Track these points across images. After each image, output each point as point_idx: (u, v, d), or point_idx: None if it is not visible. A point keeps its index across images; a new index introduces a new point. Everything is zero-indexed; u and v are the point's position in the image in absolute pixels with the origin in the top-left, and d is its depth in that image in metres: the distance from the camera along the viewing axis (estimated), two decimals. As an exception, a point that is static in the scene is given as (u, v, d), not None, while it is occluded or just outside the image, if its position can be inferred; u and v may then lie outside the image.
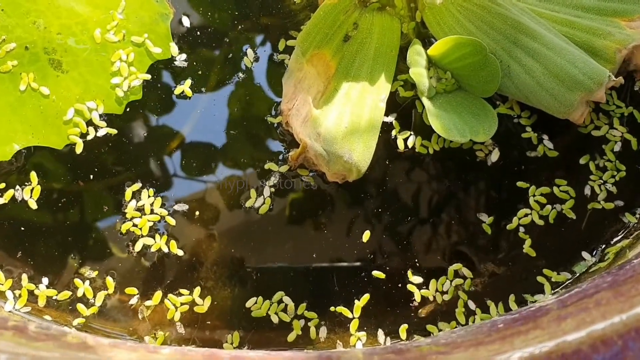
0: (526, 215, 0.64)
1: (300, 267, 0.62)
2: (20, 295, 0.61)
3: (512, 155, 0.66)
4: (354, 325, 0.60)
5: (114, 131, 0.66)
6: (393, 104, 0.67)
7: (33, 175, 0.64)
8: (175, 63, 0.69)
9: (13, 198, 0.63)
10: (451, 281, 0.62)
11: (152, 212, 0.63)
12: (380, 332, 0.60)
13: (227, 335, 0.60)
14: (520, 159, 0.66)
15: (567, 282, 0.62)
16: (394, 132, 0.67)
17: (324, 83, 0.65)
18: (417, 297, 0.61)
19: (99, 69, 0.68)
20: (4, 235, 0.63)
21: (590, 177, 0.66)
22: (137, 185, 0.64)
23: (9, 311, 0.60)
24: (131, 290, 0.61)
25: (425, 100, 0.65)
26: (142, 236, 0.63)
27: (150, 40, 0.69)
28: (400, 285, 0.62)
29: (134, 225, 0.63)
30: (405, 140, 0.66)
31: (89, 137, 0.66)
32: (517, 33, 0.64)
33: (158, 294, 0.61)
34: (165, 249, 0.62)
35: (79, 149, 0.65)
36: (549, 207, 0.64)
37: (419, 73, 0.65)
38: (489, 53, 0.63)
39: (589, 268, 0.62)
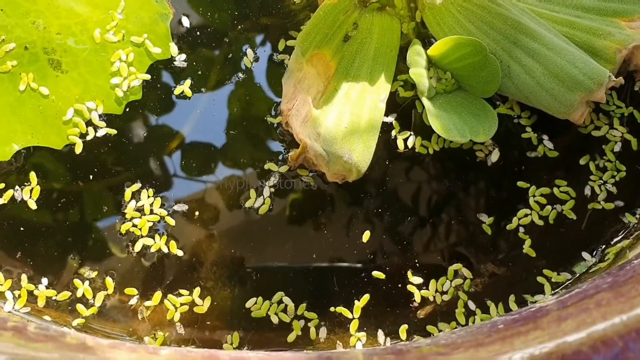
0: (526, 215, 0.64)
1: (300, 267, 0.62)
2: (19, 296, 0.61)
3: (512, 155, 0.66)
4: (353, 325, 0.60)
5: (113, 131, 0.66)
6: (393, 104, 0.67)
7: (32, 175, 0.64)
8: (175, 63, 0.69)
9: (12, 198, 0.63)
10: (451, 281, 0.62)
11: (151, 212, 0.63)
12: (380, 333, 0.60)
13: (226, 335, 0.60)
14: (520, 159, 0.66)
15: (567, 283, 0.62)
16: (393, 132, 0.67)
17: (323, 83, 0.65)
18: (417, 298, 0.61)
19: (99, 69, 0.67)
20: (4, 235, 0.63)
21: (590, 177, 0.66)
22: (136, 186, 0.64)
23: (9, 312, 0.60)
24: (131, 290, 0.61)
25: (425, 101, 0.65)
26: (142, 236, 0.63)
27: (150, 41, 0.69)
28: (400, 285, 0.62)
29: (134, 225, 0.63)
30: (405, 140, 0.66)
31: (89, 137, 0.66)
32: (517, 33, 0.64)
33: (158, 295, 0.61)
34: (165, 250, 0.62)
35: (78, 149, 0.65)
36: (549, 207, 0.64)
37: (418, 73, 0.65)
38: (489, 53, 0.63)
39: (589, 268, 0.62)
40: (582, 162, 0.66)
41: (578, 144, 0.67)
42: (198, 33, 0.71)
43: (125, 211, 0.63)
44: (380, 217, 0.64)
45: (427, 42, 0.69)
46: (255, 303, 0.61)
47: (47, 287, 0.61)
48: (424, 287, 0.62)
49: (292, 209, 0.64)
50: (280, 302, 0.61)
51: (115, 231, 0.63)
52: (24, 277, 0.61)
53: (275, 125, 0.67)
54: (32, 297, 0.61)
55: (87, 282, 0.61)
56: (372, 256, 0.63)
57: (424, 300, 0.61)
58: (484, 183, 0.65)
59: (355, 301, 0.61)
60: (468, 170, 0.66)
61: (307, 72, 0.65)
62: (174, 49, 0.69)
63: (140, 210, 0.63)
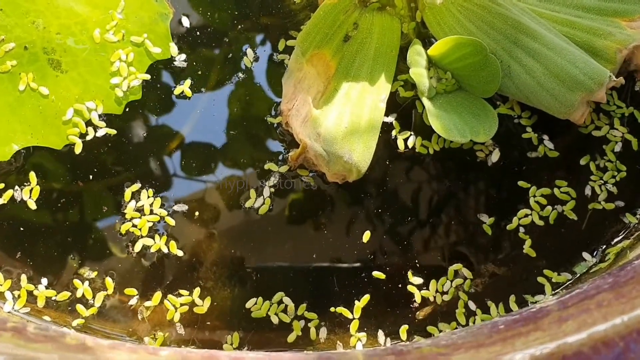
0: (526, 215, 0.64)
1: (300, 267, 0.62)
2: (19, 296, 0.60)
3: (512, 155, 0.66)
4: (354, 326, 0.60)
5: (113, 131, 0.66)
6: (393, 104, 0.67)
7: (32, 175, 0.64)
8: (175, 63, 0.69)
9: (12, 198, 0.63)
10: (451, 282, 0.62)
11: (151, 212, 0.63)
12: (381, 333, 0.60)
13: (226, 336, 0.60)
14: (520, 160, 0.66)
15: (567, 283, 0.62)
16: (394, 133, 0.66)
17: (324, 83, 0.65)
18: (418, 298, 0.61)
19: (99, 69, 0.67)
20: (3, 235, 0.63)
21: (590, 177, 0.65)
22: (136, 186, 0.64)
23: (8, 312, 0.60)
24: (131, 290, 0.61)
25: (425, 101, 0.65)
26: (142, 237, 0.62)
27: (150, 40, 0.69)
28: (400, 285, 0.62)
29: (134, 225, 0.63)
30: (406, 140, 0.66)
31: (88, 137, 0.66)
32: (517, 33, 0.64)
33: (157, 295, 0.61)
34: (165, 250, 0.62)
35: (78, 149, 0.65)
36: (549, 207, 0.64)
37: (419, 73, 0.65)
38: (489, 53, 0.63)
39: (590, 269, 0.62)
40: (582, 162, 0.66)
41: (578, 144, 0.67)
42: (198, 33, 0.71)
43: (125, 211, 0.63)
44: (381, 217, 0.64)
45: (427, 42, 0.69)
46: (255, 303, 0.61)
47: (46, 288, 0.61)
48: (425, 288, 0.62)
49: (292, 209, 0.64)
50: (280, 302, 0.61)
51: (115, 231, 0.63)
52: (23, 277, 0.61)
53: (275, 125, 0.67)
54: (31, 297, 0.61)
55: (86, 283, 0.61)
56: (372, 256, 0.63)
57: (425, 301, 0.61)
58: (484, 183, 0.65)
59: (356, 301, 0.61)
60: (468, 171, 0.66)
61: (307, 72, 0.65)
62: (173, 48, 0.69)
63: (140, 210, 0.63)
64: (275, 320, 0.60)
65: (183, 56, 0.69)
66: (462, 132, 0.63)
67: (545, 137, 0.67)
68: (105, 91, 0.67)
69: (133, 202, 0.63)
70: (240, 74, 0.69)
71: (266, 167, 0.65)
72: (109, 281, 0.61)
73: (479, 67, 0.64)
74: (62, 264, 0.62)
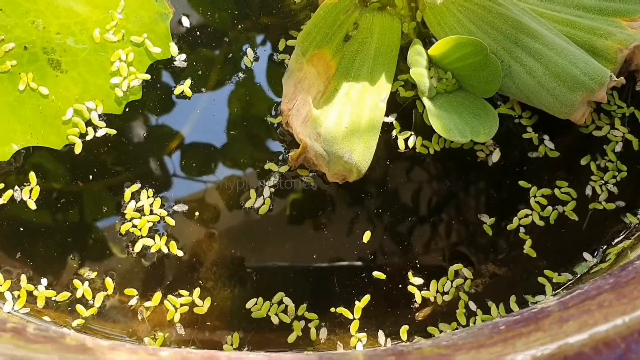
0: (527, 215, 0.64)
1: (301, 267, 0.62)
2: (19, 296, 0.60)
3: (513, 155, 0.66)
4: (354, 326, 0.60)
5: (113, 131, 0.66)
6: (393, 104, 0.67)
7: (32, 175, 0.64)
8: (175, 63, 0.69)
9: (12, 198, 0.63)
10: (452, 282, 0.62)
11: (151, 212, 0.63)
12: (381, 333, 0.60)
13: (227, 336, 0.60)
14: (521, 160, 0.66)
15: (568, 283, 0.62)
16: (394, 132, 0.66)
17: (324, 83, 0.65)
18: (418, 298, 0.61)
19: (98, 68, 0.67)
20: (3, 235, 0.62)
21: (591, 177, 0.65)
22: (136, 186, 0.64)
23: (8, 312, 0.59)
24: (130, 291, 0.61)
25: (425, 101, 0.65)
26: (142, 237, 0.62)
27: (150, 40, 0.69)
28: (400, 286, 0.62)
29: (134, 225, 0.63)
30: (406, 140, 0.66)
31: (88, 137, 0.65)
32: (518, 33, 0.64)
33: (157, 295, 0.61)
34: (165, 250, 0.62)
35: (78, 149, 0.65)
36: (549, 207, 0.64)
37: (419, 73, 0.64)
38: (489, 53, 0.63)
39: (590, 269, 0.62)
40: (583, 162, 0.66)
41: (579, 144, 0.67)
42: (198, 33, 0.70)
43: (125, 211, 0.63)
44: (381, 218, 0.64)
45: (427, 41, 0.69)
46: (256, 303, 0.61)
47: (46, 288, 0.61)
48: (425, 288, 0.62)
49: (292, 209, 0.64)
50: (280, 302, 0.61)
51: (115, 231, 0.63)
52: (23, 277, 0.61)
53: (275, 125, 0.67)
54: (31, 297, 0.61)
55: (86, 283, 0.61)
56: (372, 256, 0.63)
57: (425, 301, 0.61)
58: (484, 183, 0.65)
59: (356, 302, 0.61)
60: (469, 171, 0.66)
61: (307, 71, 0.65)
62: (173, 48, 0.69)
63: (140, 210, 0.63)
64: (275, 320, 0.60)
65: (183, 56, 0.69)
66: (462, 132, 0.63)
67: (546, 137, 0.66)
68: (105, 91, 0.67)
69: (133, 202, 0.63)
70: (240, 74, 0.69)
71: (266, 167, 0.65)
72: (108, 281, 0.61)
73: (480, 67, 0.64)
74: (62, 264, 0.62)
